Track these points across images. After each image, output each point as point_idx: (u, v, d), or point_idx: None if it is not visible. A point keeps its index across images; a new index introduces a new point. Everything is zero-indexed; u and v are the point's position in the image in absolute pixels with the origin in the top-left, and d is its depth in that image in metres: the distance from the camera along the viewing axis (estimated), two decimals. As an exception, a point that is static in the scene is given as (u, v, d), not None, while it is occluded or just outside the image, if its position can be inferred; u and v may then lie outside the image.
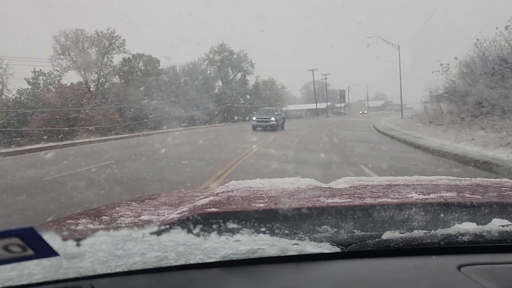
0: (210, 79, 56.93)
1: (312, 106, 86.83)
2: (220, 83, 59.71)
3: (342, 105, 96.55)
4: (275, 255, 0.94)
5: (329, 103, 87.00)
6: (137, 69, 39.75)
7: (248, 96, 60.74)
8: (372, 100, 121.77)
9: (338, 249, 0.99)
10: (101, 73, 37.01)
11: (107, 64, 37.73)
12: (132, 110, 32.31)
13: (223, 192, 1.61)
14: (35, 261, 0.80)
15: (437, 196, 1.31)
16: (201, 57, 59.31)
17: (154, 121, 33.01)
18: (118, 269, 0.88)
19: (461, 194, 1.38)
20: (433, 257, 0.96)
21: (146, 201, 1.72)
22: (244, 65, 63.25)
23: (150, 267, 0.89)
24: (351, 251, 0.99)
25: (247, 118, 49.87)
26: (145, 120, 32.41)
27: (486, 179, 1.86)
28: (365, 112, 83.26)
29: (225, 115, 52.99)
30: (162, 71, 43.76)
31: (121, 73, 37.06)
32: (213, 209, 1.20)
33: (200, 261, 0.91)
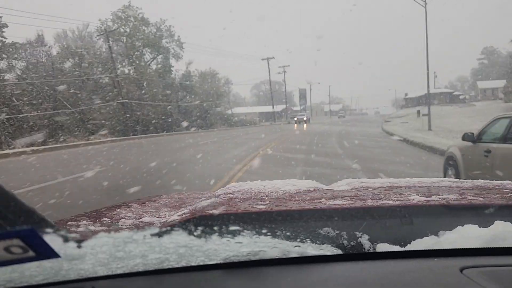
0: (105, 61, 32.25)
1: (265, 108, 67.95)
2: (125, 68, 35.95)
3: (301, 107, 79.54)
4: (277, 257, 0.93)
5: (283, 106, 69.43)
6: None
7: (169, 91, 37.19)
8: (327, 104, 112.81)
9: (340, 251, 0.99)
10: None
11: None
12: None
13: (224, 193, 1.61)
14: (36, 263, 0.79)
15: (439, 198, 1.31)
16: (96, 25, 34.63)
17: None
18: (119, 271, 0.88)
19: (463, 196, 1.38)
20: (435, 259, 0.95)
21: (146, 202, 1.72)
22: (168, 44, 40.32)
23: (151, 269, 0.89)
24: (353, 253, 0.99)
25: (166, 131, 31.06)
26: None
27: (488, 181, 1.86)
28: (304, 118, 57.12)
29: (126, 123, 29.25)
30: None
31: None
32: (214, 211, 1.20)
33: (201, 263, 0.91)
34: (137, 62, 37.03)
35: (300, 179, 1.89)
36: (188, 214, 1.19)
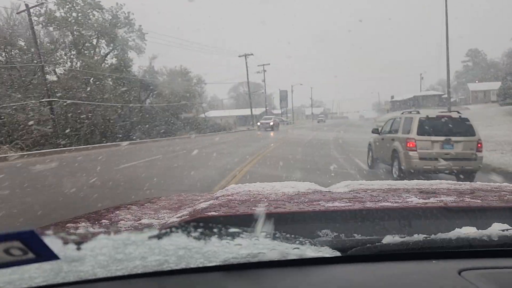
0: (48, 52, 25.64)
1: (243, 111, 61.31)
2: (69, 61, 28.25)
3: (282, 110, 75.97)
4: (276, 259, 0.93)
5: (263, 109, 60.69)
6: None
7: (126, 89, 29.83)
8: (308, 107, 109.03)
9: (338, 253, 0.99)
10: None
11: None
12: None
13: (223, 195, 1.61)
14: (36, 265, 0.79)
15: (437, 200, 1.31)
16: (32, 7, 22.44)
17: None
18: (119, 273, 0.87)
19: (461, 199, 1.39)
20: (434, 261, 0.96)
21: (146, 204, 1.72)
22: (127, 35, 33.19)
23: (151, 271, 0.89)
24: (351, 255, 0.99)
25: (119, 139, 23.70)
26: None
27: (486, 183, 1.87)
28: (270, 123, 42.82)
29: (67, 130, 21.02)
30: None
31: None
32: (214, 213, 1.20)
33: (200, 265, 0.91)
34: (88, 54, 29.67)
35: (299, 181, 1.90)
36: (187, 216, 1.19)
